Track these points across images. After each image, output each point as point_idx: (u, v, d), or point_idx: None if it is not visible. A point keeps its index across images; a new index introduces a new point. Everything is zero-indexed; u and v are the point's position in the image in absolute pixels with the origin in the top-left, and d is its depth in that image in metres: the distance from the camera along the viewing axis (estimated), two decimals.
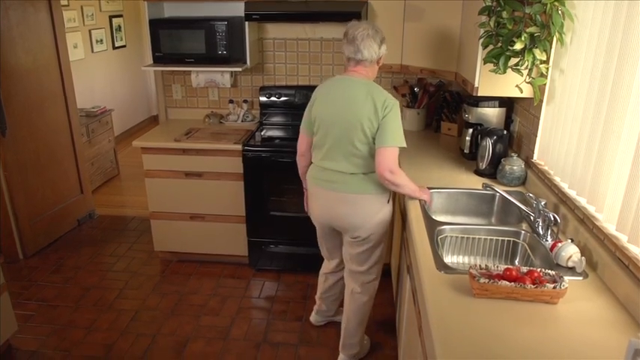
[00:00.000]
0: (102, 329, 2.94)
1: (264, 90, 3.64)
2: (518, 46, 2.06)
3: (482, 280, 1.49)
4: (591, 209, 1.77)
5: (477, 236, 2.03)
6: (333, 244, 2.60)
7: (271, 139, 3.43)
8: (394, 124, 2.16)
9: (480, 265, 1.60)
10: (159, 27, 3.31)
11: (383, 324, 2.99)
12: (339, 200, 2.31)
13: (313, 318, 2.96)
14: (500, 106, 2.73)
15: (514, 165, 2.41)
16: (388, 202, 2.34)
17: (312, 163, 2.43)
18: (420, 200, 2.24)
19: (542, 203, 1.91)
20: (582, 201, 1.84)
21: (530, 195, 2.06)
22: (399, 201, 2.79)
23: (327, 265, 2.77)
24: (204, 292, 3.31)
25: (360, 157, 2.23)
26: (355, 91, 2.20)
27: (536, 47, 2.07)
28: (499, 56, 2.14)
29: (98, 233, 4.16)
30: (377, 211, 2.31)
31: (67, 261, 3.70)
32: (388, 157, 2.15)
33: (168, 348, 2.79)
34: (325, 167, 2.32)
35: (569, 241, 1.72)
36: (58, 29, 3.88)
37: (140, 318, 3.05)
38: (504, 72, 2.16)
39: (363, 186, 2.26)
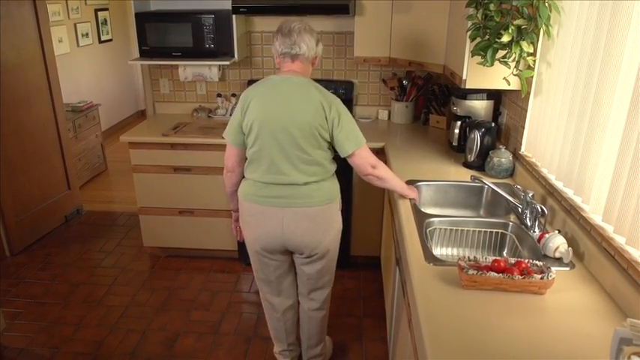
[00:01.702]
0: (91, 326, 2.92)
1: (252, 84, 3.61)
2: (505, 39, 2.07)
3: (470, 272, 1.50)
4: (578, 200, 1.79)
5: (466, 228, 2.04)
6: (283, 269, 2.30)
7: None
8: (350, 124, 2.05)
9: (468, 257, 1.61)
10: (145, 20, 3.27)
11: (372, 316, 3.00)
12: (296, 216, 2.08)
13: None
14: (488, 99, 2.74)
15: (502, 157, 2.42)
16: (340, 209, 2.22)
17: (244, 178, 2.17)
18: (409, 200, 2.20)
19: (530, 195, 1.92)
20: (569, 192, 1.86)
21: (518, 187, 2.07)
22: (388, 192, 2.80)
23: (279, 304, 2.40)
24: (194, 287, 3.31)
25: (313, 164, 2.05)
26: (300, 92, 2.01)
27: (524, 40, 2.07)
28: (487, 49, 2.15)
29: (86, 229, 4.12)
30: (333, 222, 2.17)
31: (55, 257, 3.67)
32: (364, 157, 2.07)
33: (159, 343, 2.78)
34: (270, 182, 2.06)
35: (557, 232, 1.74)
36: (42, 23, 3.82)
37: (130, 314, 3.03)
38: (492, 64, 2.16)
39: (319, 195, 2.09)
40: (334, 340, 2.78)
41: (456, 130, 2.81)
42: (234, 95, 3.71)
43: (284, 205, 2.07)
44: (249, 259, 2.32)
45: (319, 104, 2.00)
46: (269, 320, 2.50)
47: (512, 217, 2.05)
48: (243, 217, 2.21)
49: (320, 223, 2.12)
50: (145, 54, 3.37)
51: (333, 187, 2.17)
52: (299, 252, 2.19)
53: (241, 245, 3.46)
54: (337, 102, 2.06)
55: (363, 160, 2.08)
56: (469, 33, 2.23)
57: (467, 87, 2.41)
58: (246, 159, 2.14)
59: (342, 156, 2.09)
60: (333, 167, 2.16)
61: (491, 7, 2.10)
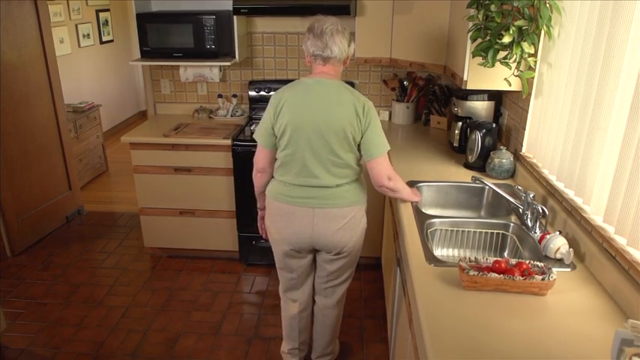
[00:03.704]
0: (92, 326, 2.92)
1: (253, 84, 3.62)
2: (506, 40, 2.07)
3: (471, 273, 1.50)
4: (579, 201, 1.78)
5: (467, 229, 2.04)
6: (306, 267, 2.32)
7: None
8: (378, 130, 2.05)
9: (469, 258, 1.61)
10: (146, 21, 3.28)
11: (373, 317, 3.00)
12: (327, 216, 2.09)
13: None
14: (489, 100, 2.74)
15: (503, 158, 2.42)
16: (365, 209, 2.23)
17: (273, 178, 2.18)
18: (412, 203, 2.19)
19: (531, 196, 1.92)
20: (570, 193, 1.86)
21: (519, 187, 2.07)
22: None
23: (299, 299, 2.41)
24: (194, 287, 3.31)
25: (344, 167, 2.06)
26: (334, 95, 2.00)
27: (524, 40, 2.07)
28: (488, 49, 2.15)
29: (87, 230, 4.13)
30: (360, 222, 2.19)
31: (56, 258, 3.67)
32: (384, 166, 2.06)
33: (159, 344, 2.78)
34: (303, 184, 2.07)
35: (558, 233, 1.74)
36: (43, 23, 3.83)
37: (130, 314, 3.03)
38: (493, 65, 2.16)
39: (351, 197, 2.11)
40: None
41: (457, 131, 2.81)
42: (235, 96, 3.71)
43: (315, 205, 2.08)
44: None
45: (352, 107, 1.99)
46: (285, 317, 2.48)
47: (513, 218, 2.04)
48: (272, 216, 2.20)
49: (349, 223, 2.13)
50: (145, 55, 3.37)
51: (362, 188, 2.18)
52: (327, 251, 2.20)
53: (242, 245, 3.46)
54: (369, 104, 2.04)
55: (382, 168, 2.07)
56: (470, 34, 2.23)
57: (468, 88, 2.41)
58: (275, 159, 2.15)
59: (365, 159, 2.08)
60: (360, 168, 2.17)
61: (492, 7, 2.10)
